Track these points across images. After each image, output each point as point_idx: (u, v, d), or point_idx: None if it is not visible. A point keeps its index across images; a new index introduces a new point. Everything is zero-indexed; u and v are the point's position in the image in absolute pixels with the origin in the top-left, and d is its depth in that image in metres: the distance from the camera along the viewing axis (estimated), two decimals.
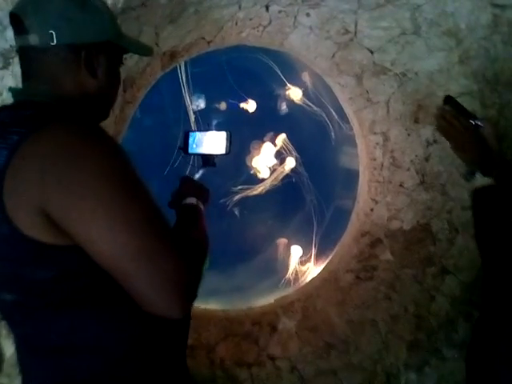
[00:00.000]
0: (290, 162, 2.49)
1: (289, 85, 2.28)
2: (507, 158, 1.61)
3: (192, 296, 0.75)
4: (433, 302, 1.81)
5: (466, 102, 1.41)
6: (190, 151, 1.25)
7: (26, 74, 0.84)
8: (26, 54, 0.82)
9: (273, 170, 2.27)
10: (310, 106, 2.26)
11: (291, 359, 1.84)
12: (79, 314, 0.76)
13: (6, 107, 0.83)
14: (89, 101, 0.84)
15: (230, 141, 1.21)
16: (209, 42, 1.71)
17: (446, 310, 1.78)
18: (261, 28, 1.73)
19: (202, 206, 1.09)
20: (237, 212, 2.44)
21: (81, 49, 0.81)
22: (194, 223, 1.01)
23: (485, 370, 1.11)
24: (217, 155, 1.24)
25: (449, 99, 1.20)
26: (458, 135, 1.16)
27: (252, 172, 2.28)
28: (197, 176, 1.23)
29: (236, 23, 1.64)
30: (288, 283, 2.25)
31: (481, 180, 1.12)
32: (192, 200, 1.08)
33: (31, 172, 0.70)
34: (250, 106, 2.50)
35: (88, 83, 0.83)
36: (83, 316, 0.76)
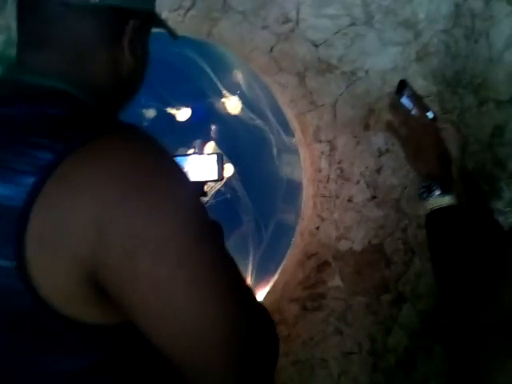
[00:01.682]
0: (227, 170, 2.17)
1: (221, 86, 1.97)
2: (468, 170, 1.42)
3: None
4: (389, 335, 1.58)
5: None
6: None
7: (33, 40, 0.57)
8: (44, 9, 0.55)
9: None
10: (245, 110, 1.97)
11: None
12: None
13: (16, 94, 0.53)
14: (117, 88, 0.63)
15: (221, 164, 1.06)
16: None
17: (404, 345, 1.55)
18: (182, 11, 1.40)
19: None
20: None
21: (128, 16, 0.59)
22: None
23: None
24: (206, 182, 1.06)
25: (402, 86, 0.94)
26: (413, 137, 0.90)
27: None
28: None
29: None
30: None
31: (438, 199, 0.86)
32: None
33: (80, 216, 0.46)
34: (181, 113, 2.15)
35: (125, 63, 0.62)
36: None
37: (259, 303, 0.64)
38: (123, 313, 0.51)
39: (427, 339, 1.54)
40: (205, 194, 1.07)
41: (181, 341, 0.51)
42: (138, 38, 0.63)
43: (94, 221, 0.46)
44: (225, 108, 2.04)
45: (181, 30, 1.53)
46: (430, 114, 0.92)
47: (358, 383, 1.55)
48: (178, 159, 1.06)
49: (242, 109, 1.99)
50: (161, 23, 0.71)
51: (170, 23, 1.46)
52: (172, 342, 0.51)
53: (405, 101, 0.92)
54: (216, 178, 1.06)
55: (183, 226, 0.50)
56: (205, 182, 1.06)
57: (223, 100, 2.01)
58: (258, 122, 1.97)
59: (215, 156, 1.07)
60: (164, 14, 1.41)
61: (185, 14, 1.42)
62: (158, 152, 0.52)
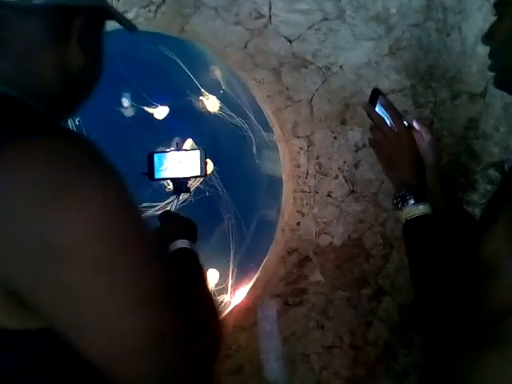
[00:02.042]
0: (208, 166, 2.14)
1: (199, 84, 1.94)
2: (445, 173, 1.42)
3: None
4: (369, 328, 1.59)
5: (398, 101, 1.19)
6: (156, 176, 1.05)
7: None
8: None
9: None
10: (224, 108, 1.95)
11: None
12: None
13: None
14: (68, 88, 0.61)
15: (204, 160, 1.05)
16: None
17: (384, 338, 1.57)
18: (153, 7, 1.37)
19: (196, 249, 0.84)
20: None
21: (74, 14, 0.58)
22: (196, 279, 0.74)
23: None
24: (190, 178, 1.06)
25: (376, 95, 0.91)
26: (387, 146, 0.88)
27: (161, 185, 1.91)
28: (173, 208, 1.03)
29: None
30: None
31: (412, 208, 0.84)
32: (183, 243, 0.83)
33: None
34: (159, 111, 2.12)
35: (75, 63, 0.60)
36: None
37: (200, 307, 0.63)
38: (41, 318, 0.50)
39: (407, 332, 1.56)
40: (188, 190, 1.07)
41: (99, 348, 0.50)
42: (88, 35, 0.61)
43: (2, 228, 0.46)
44: (204, 106, 2.03)
45: (152, 27, 1.51)
46: (405, 123, 0.90)
47: (340, 377, 1.56)
48: (161, 156, 1.06)
49: (220, 107, 1.98)
50: (114, 17, 0.67)
51: (141, 20, 1.44)
52: (91, 349, 0.50)
53: (379, 110, 0.89)
54: (199, 173, 1.06)
55: (100, 232, 0.48)
56: (188, 178, 1.06)
57: (202, 98, 1.99)
58: (237, 119, 1.96)
59: (198, 152, 1.06)
60: (134, 11, 1.38)
61: (156, 11, 1.39)
62: (83, 156, 0.50)
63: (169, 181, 1.11)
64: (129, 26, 0.70)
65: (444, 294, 0.74)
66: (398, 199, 0.85)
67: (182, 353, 0.53)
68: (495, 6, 0.76)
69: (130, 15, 1.37)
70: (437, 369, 0.87)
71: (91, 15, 0.60)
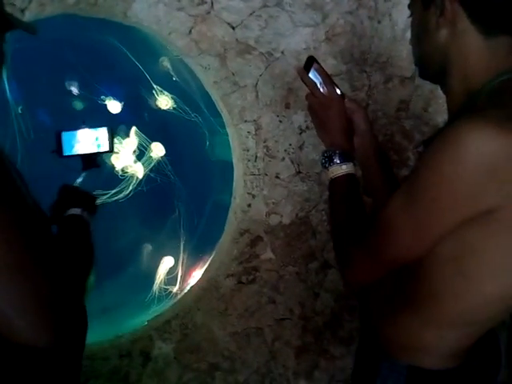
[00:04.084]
0: (157, 149, 2.13)
1: (150, 77, 1.94)
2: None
3: (67, 320, 0.66)
4: (317, 299, 1.70)
5: None
6: (65, 153, 1.10)
7: None
8: None
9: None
10: (177, 101, 1.96)
11: None
12: None
13: None
14: None
15: (112, 136, 1.11)
16: (22, 10, 1.30)
17: (330, 307, 1.68)
18: None
19: (88, 218, 0.95)
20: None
21: None
22: (76, 236, 0.87)
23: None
24: (99, 154, 1.11)
25: (310, 62, 0.97)
26: (318, 108, 0.95)
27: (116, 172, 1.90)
28: (78, 181, 1.08)
29: None
30: (161, 298, 1.96)
31: (337, 167, 0.91)
32: (76, 211, 0.94)
33: None
34: (112, 104, 2.09)
35: None
36: None
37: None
38: None
39: (351, 300, 1.68)
40: (98, 165, 1.13)
41: None
42: None
43: None
44: (156, 101, 2.04)
45: (95, 12, 1.50)
46: (337, 91, 0.98)
47: (291, 345, 1.66)
48: (70, 134, 1.10)
49: (174, 101, 1.99)
50: (9, 21, 0.75)
51: (83, 5, 1.43)
52: None
53: (313, 75, 0.96)
54: (108, 149, 1.11)
55: None
56: (97, 154, 1.11)
57: (154, 92, 2.00)
58: (193, 114, 1.98)
59: (105, 129, 1.11)
60: None
61: None
62: None
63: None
64: (27, 28, 0.79)
65: (353, 243, 0.82)
66: (326, 159, 0.93)
67: (36, 282, 0.63)
68: (409, 7, 0.84)
69: (70, 1, 1.37)
70: (369, 330, 0.96)
71: None
